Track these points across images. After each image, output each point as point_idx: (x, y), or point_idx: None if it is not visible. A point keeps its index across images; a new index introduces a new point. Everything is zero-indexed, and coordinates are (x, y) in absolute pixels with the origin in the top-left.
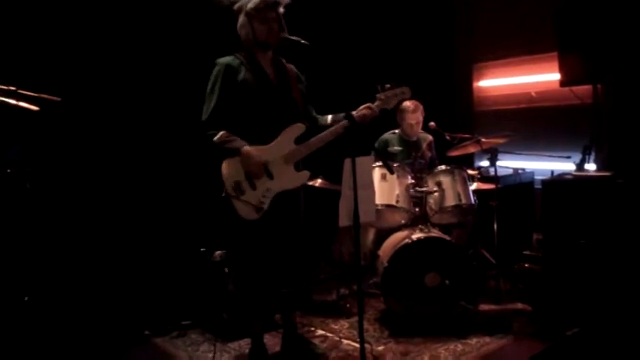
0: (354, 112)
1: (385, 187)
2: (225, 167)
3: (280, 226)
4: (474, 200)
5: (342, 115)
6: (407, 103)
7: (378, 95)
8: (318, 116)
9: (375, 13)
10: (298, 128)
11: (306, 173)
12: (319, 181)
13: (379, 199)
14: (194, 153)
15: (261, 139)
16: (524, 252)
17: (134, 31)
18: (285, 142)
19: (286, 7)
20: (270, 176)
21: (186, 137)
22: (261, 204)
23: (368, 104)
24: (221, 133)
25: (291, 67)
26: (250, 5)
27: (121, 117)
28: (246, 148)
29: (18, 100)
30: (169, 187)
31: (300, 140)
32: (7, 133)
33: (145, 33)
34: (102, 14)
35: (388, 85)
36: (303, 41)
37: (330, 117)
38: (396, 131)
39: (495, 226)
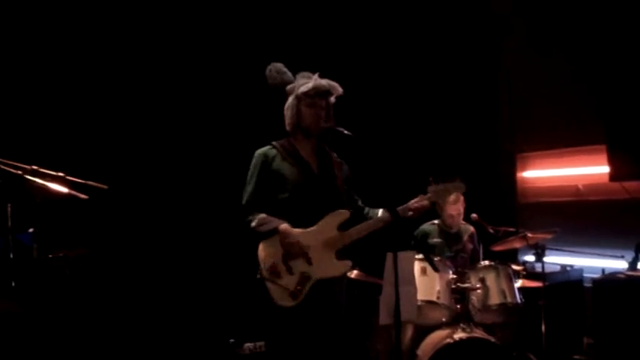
0: (404, 206)
1: (425, 281)
2: (262, 248)
3: (319, 318)
4: (520, 299)
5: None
6: None
7: (429, 188)
8: (367, 207)
9: (416, 100)
10: (342, 215)
11: (347, 263)
12: (355, 272)
13: (419, 295)
14: (227, 236)
15: (299, 226)
16: (574, 357)
17: (164, 117)
18: (328, 227)
19: (338, 99)
20: (309, 261)
21: (219, 219)
22: (297, 290)
23: (420, 197)
24: (259, 216)
25: (334, 154)
26: (302, 89)
27: (156, 201)
28: (285, 225)
29: (69, 188)
30: (202, 272)
31: (343, 227)
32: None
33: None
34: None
35: (440, 178)
36: (346, 132)
37: (380, 211)
38: (436, 222)
39: (543, 328)
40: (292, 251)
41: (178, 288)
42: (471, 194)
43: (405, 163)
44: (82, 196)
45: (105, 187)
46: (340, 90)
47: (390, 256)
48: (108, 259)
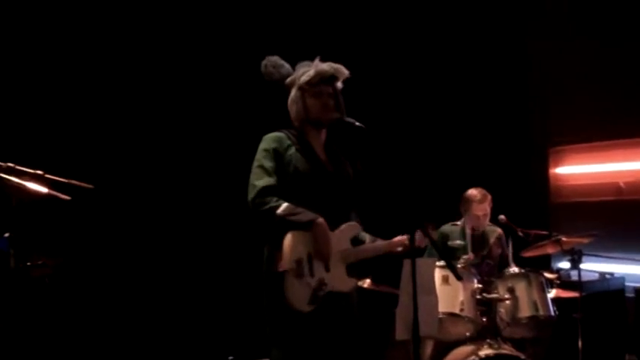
0: (396, 240)
1: (447, 291)
2: (290, 239)
3: (332, 333)
4: (554, 311)
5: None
6: (473, 192)
7: (417, 233)
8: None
9: (438, 88)
10: (355, 228)
11: (353, 280)
12: (368, 281)
13: (440, 306)
14: (225, 238)
15: None
16: None
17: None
18: (344, 238)
19: (345, 82)
20: (327, 268)
21: (214, 219)
22: (317, 295)
23: (406, 237)
24: (285, 204)
25: (343, 158)
26: (304, 78)
27: (146, 201)
28: (322, 219)
29: (49, 188)
30: (197, 279)
31: (354, 242)
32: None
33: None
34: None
35: (430, 224)
36: (357, 123)
37: (367, 237)
38: (458, 223)
39: (580, 344)
40: (323, 251)
41: (170, 298)
42: (499, 193)
43: (424, 159)
44: (64, 196)
45: (90, 186)
46: (346, 72)
47: (407, 262)
48: (92, 266)
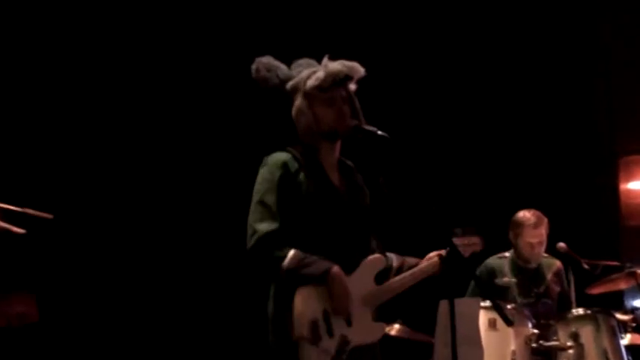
0: (425, 265)
1: (495, 339)
2: (301, 299)
3: None
4: None
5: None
6: (526, 214)
7: (455, 240)
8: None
9: (482, 86)
10: (379, 262)
11: (382, 326)
12: (397, 327)
13: (486, 358)
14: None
15: None
16: None
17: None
18: (365, 279)
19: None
20: (349, 322)
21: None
22: (341, 357)
23: (440, 252)
24: (292, 253)
25: (359, 176)
26: (311, 82)
27: (115, 236)
28: (338, 268)
29: (0, 218)
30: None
31: (380, 278)
32: None
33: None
34: None
35: (459, 230)
36: (379, 132)
37: (394, 258)
38: (507, 254)
39: None
40: (341, 306)
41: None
42: (557, 215)
43: (465, 175)
44: (18, 229)
45: (49, 216)
46: (361, 70)
47: (444, 304)
48: (54, 314)
